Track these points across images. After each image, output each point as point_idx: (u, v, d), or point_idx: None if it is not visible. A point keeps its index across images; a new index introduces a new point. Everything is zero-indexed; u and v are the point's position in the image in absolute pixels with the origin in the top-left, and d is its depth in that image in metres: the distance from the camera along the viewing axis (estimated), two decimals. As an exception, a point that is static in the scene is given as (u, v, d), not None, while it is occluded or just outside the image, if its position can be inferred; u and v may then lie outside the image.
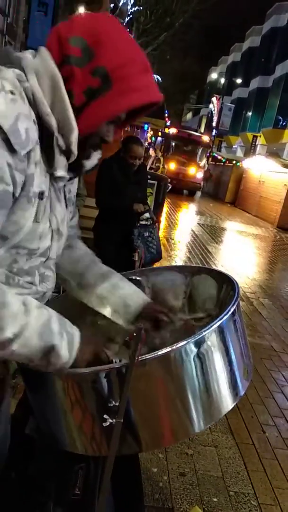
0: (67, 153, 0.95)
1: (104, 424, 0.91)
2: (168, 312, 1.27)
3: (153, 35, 19.41)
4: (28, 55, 0.93)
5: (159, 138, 17.43)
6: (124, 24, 15.81)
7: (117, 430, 0.90)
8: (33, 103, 0.88)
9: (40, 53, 0.93)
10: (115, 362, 1.05)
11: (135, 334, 0.90)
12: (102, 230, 3.61)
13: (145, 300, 1.28)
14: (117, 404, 0.90)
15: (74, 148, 0.94)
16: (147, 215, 3.57)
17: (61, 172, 0.96)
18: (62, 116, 0.91)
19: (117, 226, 3.49)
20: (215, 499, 2.16)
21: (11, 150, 0.82)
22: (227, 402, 1.01)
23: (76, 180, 1.19)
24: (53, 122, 0.90)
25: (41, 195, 0.93)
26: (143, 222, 3.58)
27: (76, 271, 1.29)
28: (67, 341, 0.94)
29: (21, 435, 1.39)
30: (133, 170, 3.50)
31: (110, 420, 0.90)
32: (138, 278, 1.48)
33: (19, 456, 1.36)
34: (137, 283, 1.47)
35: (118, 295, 1.26)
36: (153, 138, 15.22)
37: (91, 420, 0.96)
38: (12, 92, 0.84)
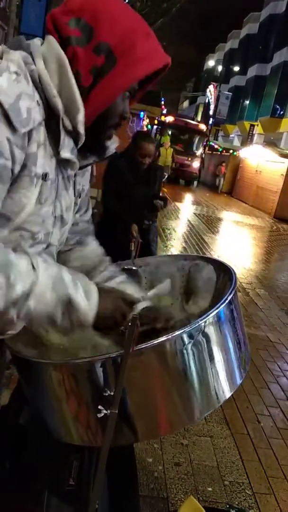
0: (74, 135, 0.95)
1: (99, 415, 0.89)
2: (165, 322, 1.23)
3: (149, 21, 19.14)
4: (37, 41, 0.94)
5: (154, 126, 17.31)
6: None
7: (111, 420, 0.89)
8: (40, 86, 0.89)
9: (47, 39, 0.93)
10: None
11: (130, 324, 0.88)
12: (104, 234, 3.34)
13: (145, 305, 1.25)
14: (112, 393, 0.88)
15: (81, 128, 0.94)
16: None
17: (66, 153, 0.94)
18: (69, 97, 0.90)
19: (120, 234, 3.15)
20: (210, 489, 2.17)
21: (11, 127, 0.82)
22: (225, 391, 1.00)
23: (88, 174, 1.18)
24: (59, 104, 0.89)
25: (44, 176, 0.92)
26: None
27: (84, 269, 1.26)
28: (82, 289, 0.93)
29: (15, 425, 1.38)
30: (142, 168, 3.24)
31: (105, 411, 0.89)
32: (134, 268, 1.45)
33: (13, 447, 1.35)
34: (134, 273, 1.44)
35: None
36: (149, 126, 15.16)
37: (86, 410, 0.95)
38: (16, 73, 0.84)
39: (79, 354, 1.13)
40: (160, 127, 17.79)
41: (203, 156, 22.09)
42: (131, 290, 1.25)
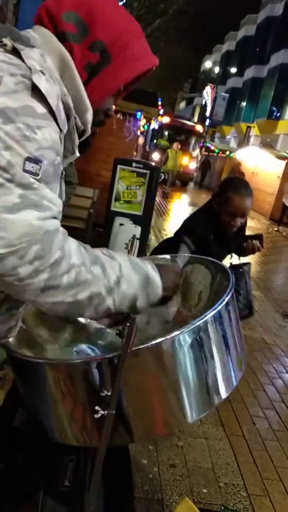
0: (80, 133, 0.96)
1: (96, 416, 0.89)
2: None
3: (147, 22, 19.14)
4: (33, 34, 0.90)
5: (151, 127, 17.22)
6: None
7: (109, 421, 0.88)
8: None
9: (40, 32, 0.90)
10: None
11: (128, 324, 0.87)
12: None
13: None
14: (109, 394, 0.88)
15: (89, 127, 0.95)
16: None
17: (77, 152, 0.97)
18: (76, 95, 0.90)
19: None
20: (205, 490, 2.17)
21: (59, 128, 0.83)
22: (221, 392, 1.00)
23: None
24: (70, 101, 0.89)
25: (62, 173, 0.93)
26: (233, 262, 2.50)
27: None
28: (150, 266, 0.96)
29: (10, 427, 1.36)
30: (230, 233, 2.20)
31: (102, 412, 0.89)
32: None
33: (8, 448, 1.34)
34: None
35: None
36: (146, 127, 15.02)
37: (83, 410, 0.95)
38: (42, 73, 0.82)
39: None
40: (155, 127, 17.72)
41: (207, 158, 21.94)
42: None
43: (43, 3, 0.93)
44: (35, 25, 0.92)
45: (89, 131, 0.96)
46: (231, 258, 2.53)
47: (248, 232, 2.56)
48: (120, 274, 0.88)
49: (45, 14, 0.90)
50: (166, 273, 0.99)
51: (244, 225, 2.34)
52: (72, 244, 0.83)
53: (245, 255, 2.46)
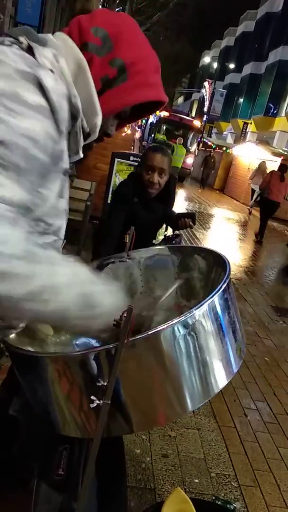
0: (86, 136, 0.98)
1: (92, 405, 0.89)
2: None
3: (147, 15, 19.03)
4: (52, 38, 0.95)
5: (149, 121, 17.10)
6: (117, 2, 15.44)
7: (104, 411, 0.89)
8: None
9: (61, 38, 0.95)
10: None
11: (125, 315, 0.88)
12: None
13: None
14: (105, 384, 0.88)
15: (97, 131, 0.98)
16: None
17: (81, 153, 0.99)
18: (87, 99, 0.93)
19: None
20: (196, 480, 2.20)
21: (57, 126, 0.84)
22: (221, 379, 1.00)
23: None
24: (79, 104, 0.92)
25: (65, 171, 0.94)
26: None
27: None
28: (106, 288, 0.94)
29: (5, 415, 1.37)
30: (151, 192, 2.39)
31: (98, 401, 0.89)
32: (129, 259, 1.46)
33: (2, 437, 1.35)
34: (128, 265, 1.45)
35: None
36: (144, 121, 14.93)
37: (80, 401, 0.95)
38: (51, 71, 0.86)
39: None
40: (153, 121, 17.60)
41: (211, 154, 21.81)
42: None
43: (77, 16, 0.99)
44: (64, 34, 0.96)
45: (96, 135, 0.99)
46: (165, 230, 2.93)
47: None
48: (52, 284, 0.81)
49: (76, 25, 0.95)
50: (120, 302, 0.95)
51: (170, 199, 2.62)
52: (14, 232, 0.76)
53: (178, 229, 2.72)
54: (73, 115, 0.91)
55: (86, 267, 0.93)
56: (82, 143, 0.98)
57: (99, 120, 0.96)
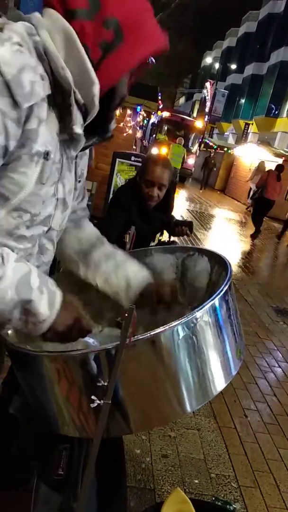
0: (85, 110, 0.92)
1: (92, 405, 0.89)
2: (170, 293, 1.25)
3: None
4: (37, 14, 0.89)
5: (151, 121, 17.06)
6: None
7: (105, 411, 0.88)
8: (45, 58, 0.84)
9: (47, 13, 0.89)
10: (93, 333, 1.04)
11: (126, 315, 0.88)
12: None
13: (148, 280, 1.26)
14: (105, 384, 0.88)
15: (96, 101, 0.91)
16: None
17: (78, 129, 0.92)
18: (79, 70, 0.87)
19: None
20: (196, 481, 2.19)
21: (12, 100, 0.78)
22: (220, 382, 1.00)
23: (86, 158, 1.15)
24: (69, 76, 0.86)
25: (46, 155, 0.89)
26: None
27: (83, 250, 1.27)
28: (47, 299, 0.90)
29: (5, 414, 1.37)
30: (149, 205, 2.40)
31: (98, 401, 0.89)
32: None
33: (2, 436, 1.35)
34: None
35: (121, 276, 1.24)
36: (145, 121, 14.93)
37: (80, 401, 0.95)
38: (19, 44, 0.80)
39: None
40: (155, 121, 17.58)
41: (211, 155, 21.79)
42: (133, 267, 1.26)
43: None
44: (44, 7, 0.90)
45: (96, 106, 0.92)
46: (161, 235, 2.90)
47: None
48: None
49: None
50: (68, 307, 0.94)
51: (169, 207, 2.64)
52: None
53: (174, 236, 2.75)
54: (64, 89, 0.86)
55: (33, 272, 0.90)
56: (78, 118, 0.91)
57: (96, 89, 0.89)
